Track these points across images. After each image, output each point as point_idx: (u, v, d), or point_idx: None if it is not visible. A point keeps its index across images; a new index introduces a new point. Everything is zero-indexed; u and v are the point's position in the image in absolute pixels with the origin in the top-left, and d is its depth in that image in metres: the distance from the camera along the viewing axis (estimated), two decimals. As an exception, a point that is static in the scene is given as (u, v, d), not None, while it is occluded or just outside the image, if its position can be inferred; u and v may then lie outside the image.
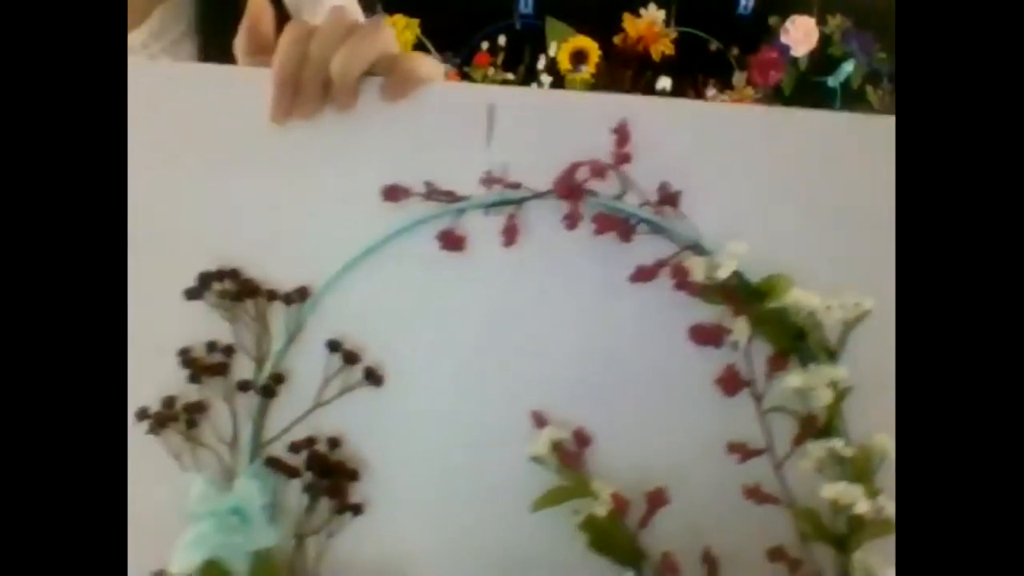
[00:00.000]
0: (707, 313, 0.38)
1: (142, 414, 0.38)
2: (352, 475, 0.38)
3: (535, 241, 0.39)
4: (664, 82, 0.42)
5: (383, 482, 0.39)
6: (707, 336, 0.37)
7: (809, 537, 0.35)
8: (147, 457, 0.39)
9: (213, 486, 0.38)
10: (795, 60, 0.51)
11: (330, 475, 0.38)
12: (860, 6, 0.50)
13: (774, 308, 0.36)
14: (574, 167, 0.38)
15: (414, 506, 0.39)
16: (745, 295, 0.36)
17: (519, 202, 0.38)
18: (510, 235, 0.38)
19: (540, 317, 0.39)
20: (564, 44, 0.48)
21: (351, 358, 0.39)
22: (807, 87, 0.51)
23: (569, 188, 0.37)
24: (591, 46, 0.50)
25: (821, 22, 0.52)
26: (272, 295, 0.39)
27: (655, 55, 0.51)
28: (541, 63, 0.44)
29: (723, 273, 0.35)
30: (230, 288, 0.39)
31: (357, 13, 0.47)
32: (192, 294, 0.39)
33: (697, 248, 0.38)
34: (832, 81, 0.50)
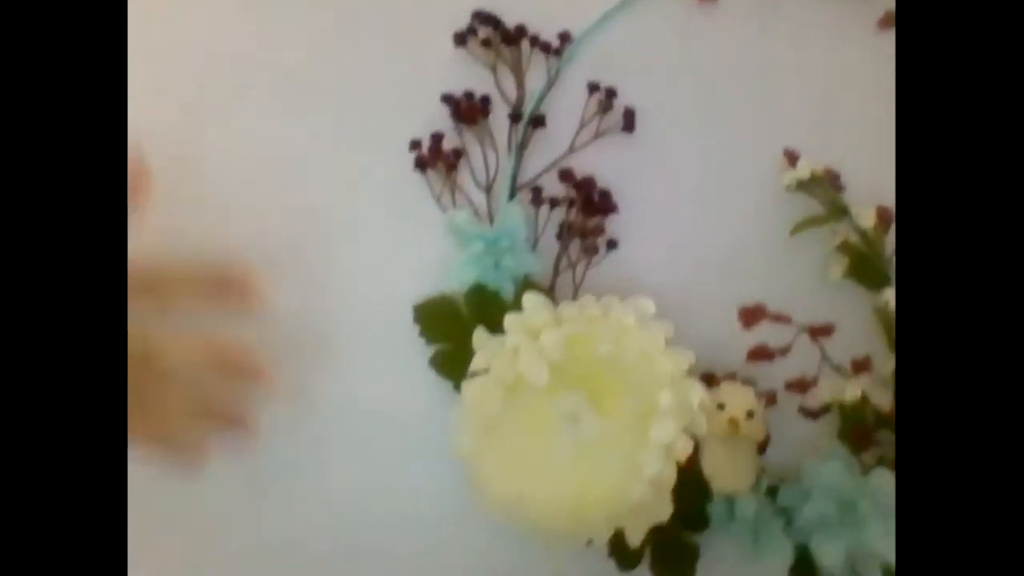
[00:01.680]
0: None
1: (414, 145, 0.41)
2: (612, 207, 0.41)
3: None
4: None
5: (636, 220, 0.41)
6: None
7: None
8: (412, 196, 0.42)
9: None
10: None
11: (590, 205, 0.40)
12: None
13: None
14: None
15: (667, 242, 0.41)
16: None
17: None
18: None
19: (787, 65, 0.41)
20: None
21: (608, 102, 0.41)
22: None
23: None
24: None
25: None
26: (533, 41, 0.41)
27: None
28: None
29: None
30: (492, 35, 0.42)
31: None
32: (458, 40, 0.42)
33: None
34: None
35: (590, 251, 0.41)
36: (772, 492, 0.38)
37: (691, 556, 0.39)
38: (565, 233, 0.41)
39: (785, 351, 0.35)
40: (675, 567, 0.39)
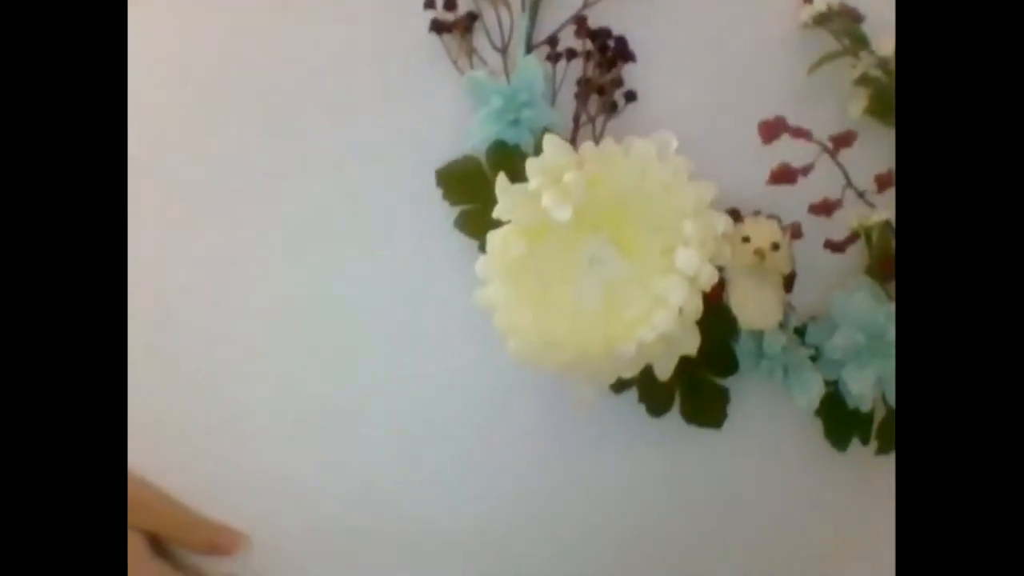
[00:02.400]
0: None
1: (429, 3, 0.41)
2: (630, 56, 0.40)
3: None
4: None
5: (654, 70, 0.40)
6: None
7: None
8: (431, 58, 0.41)
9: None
10: None
11: (608, 56, 0.40)
12: None
13: None
14: None
15: (686, 89, 0.40)
16: None
17: None
18: None
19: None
20: None
21: (621, -48, 0.41)
22: None
23: None
24: None
25: None
26: None
27: None
28: None
29: None
30: None
31: None
32: None
33: None
34: None
35: (609, 105, 0.41)
36: (801, 332, 0.39)
37: (721, 400, 0.39)
38: (583, 86, 0.41)
39: (807, 170, 0.35)
40: (705, 411, 0.40)
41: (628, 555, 0.43)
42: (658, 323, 0.34)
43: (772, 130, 0.34)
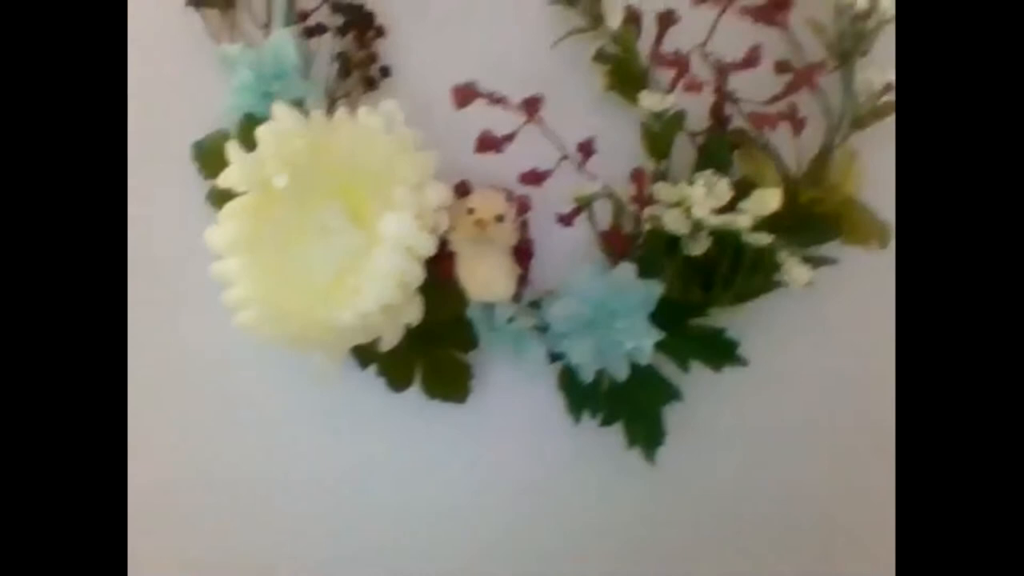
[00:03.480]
0: None
1: (184, -16, 0.41)
2: (380, 31, 0.40)
3: None
4: None
5: (407, 45, 0.41)
6: None
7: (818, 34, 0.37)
8: (189, 37, 0.41)
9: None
10: None
11: (359, 32, 0.40)
12: None
13: None
14: None
15: (439, 66, 0.40)
16: None
17: None
18: None
19: None
20: None
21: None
22: None
23: None
24: None
25: None
26: None
27: None
28: None
29: None
30: None
31: None
32: None
33: None
34: None
35: (365, 80, 0.41)
36: (537, 305, 0.39)
37: (463, 374, 0.39)
38: (340, 61, 0.41)
39: (511, 137, 0.35)
40: (448, 386, 0.40)
41: (383, 525, 0.43)
42: (370, 292, 0.34)
43: (464, 96, 0.34)
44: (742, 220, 0.33)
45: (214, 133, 0.41)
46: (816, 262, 0.37)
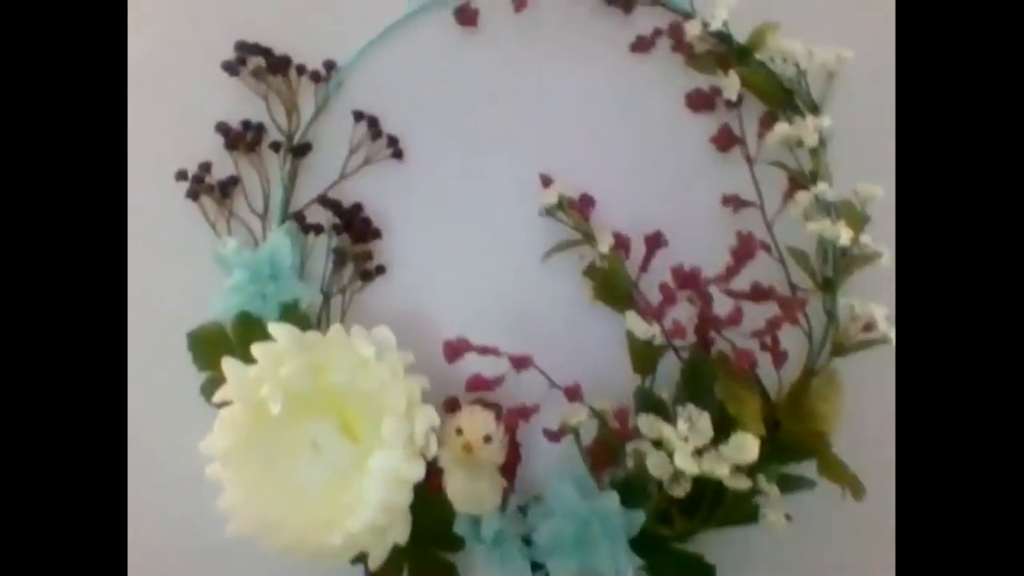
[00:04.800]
0: (702, 82, 0.41)
1: (181, 175, 0.42)
2: (375, 233, 0.41)
3: (543, 16, 0.42)
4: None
5: (403, 244, 0.42)
6: (702, 101, 0.40)
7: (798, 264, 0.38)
8: (186, 222, 0.42)
9: (246, 247, 0.42)
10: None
11: (354, 232, 0.41)
12: None
13: (761, 61, 0.39)
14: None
15: (433, 265, 0.42)
16: (735, 53, 0.39)
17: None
18: (520, 2, 0.41)
19: (547, 88, 0.42)
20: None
21: (375, 129, 0.42)
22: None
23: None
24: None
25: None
26: (301, 70, 0.42)
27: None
28: None
29: (715, 24, 0.38)
30: (262, 64, 0.42)
31: None
32: (228, 68, 0.42)
33: (691, 16, 0.41)
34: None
35: (362, 276, 0.42)
36: (524, 510, 0.40)
37: (449, 574, 0.41)
38: (335, 260, 0.42)
39: (499, 382, 0.36)
40: (433, 585, 0.41)
41: None
42: (362, 518, 0.36)
43: (455, 351, 0.35)
44: (721, 469, 0.34)
45: (208, 324, 0.41)
46: (793, 485, 0.38)
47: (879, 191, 0.38)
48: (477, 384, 0.35)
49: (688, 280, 0.35)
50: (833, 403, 0.38)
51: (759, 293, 0.38)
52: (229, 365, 0.38)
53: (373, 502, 0.35)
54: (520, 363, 0.35)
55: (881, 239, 0.38)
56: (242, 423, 0.38)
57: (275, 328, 0.38)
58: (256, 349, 0.38)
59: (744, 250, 0.37)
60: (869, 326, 0.37)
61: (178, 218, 0.42)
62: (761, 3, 0.39)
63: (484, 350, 0.34)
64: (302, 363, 0.37)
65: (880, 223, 0.38)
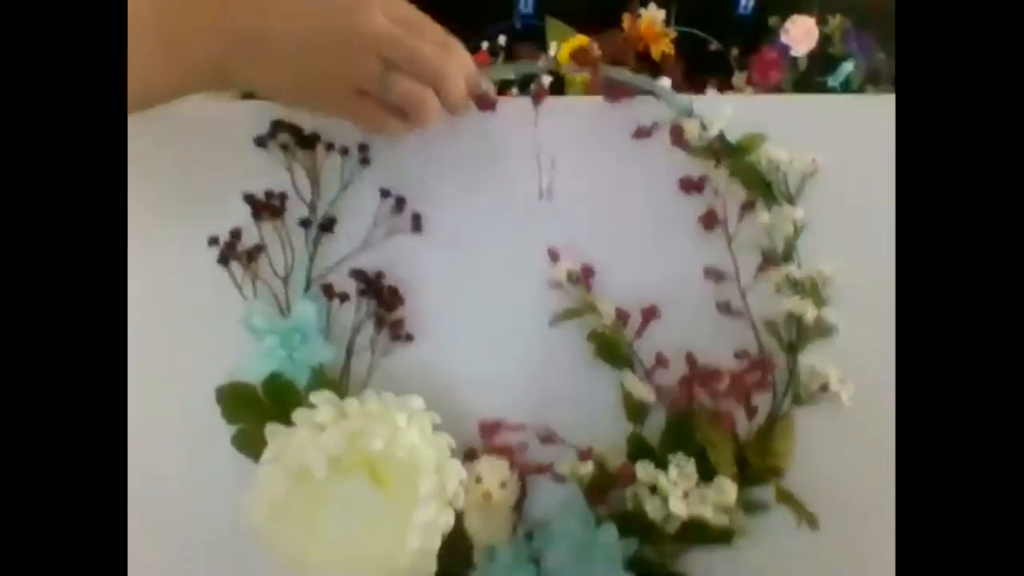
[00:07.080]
0: (694, 168, 0.46)
1: (213, 241, 0.45)
2: (399, 299, 0.45)
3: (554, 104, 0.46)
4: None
5: (424, 309, 0.46)
6: (693, 185, 0.46)
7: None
8: (215, 286, 0.45)
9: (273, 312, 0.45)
10: (795, 60, 0.56)
11: (383, 301, 0.45)
12: (860, 6, 0.57)
13: (749, 161, 0.45)
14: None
15: (452, 332, 0.46)
16: (727, 151, 0.45)
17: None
18: (537, 97, 0.45)
19: (556, 171, 0.47)
20: (564, 44, 0.51)
21: (399, 205, 0.46)
22: (807, 87, 0.56)
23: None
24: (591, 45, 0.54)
25: (821, 22, 0.57)
26: (329, 147, 0.45)
27: (655, 55, 0.55)
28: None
29: (713, 131, 0.44)
30: (290, 139, 0.45)
31: None
32: (259, 142, 0.45)
33: (688, 114, 0.46)
34: (832, 81, 0.56)
35: (394, 340, 0.46)
36: (531, 536, 0.46)
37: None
38: (366, 325, 0.45)
39: (524, 449, 0.43)
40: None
41: None
42: (400, 560, 0.40)
43: (491, 430, 0.42)
44: (706, 511, 0.42)
45: (238, 383, 0.44)
46: (758, 508, 0.46)
47: (834, 272, 0.44)
48: (491, 430, 0.42)
49: (707, 378, 0.43)
50: (790, 443, 0.46)
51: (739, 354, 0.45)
52: (271, 429, 0.42)
53: (414, 549, 0.41)
54: (548, 439, 0.42)
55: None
56: (282, 482, 0.42)
57: (316, 397, 0.42)
58: (298, 416, 0.42)
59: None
60: (825, 386, 0.44)
61: (208, 281, 0.45)
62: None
63: (514, 428, 0.40)
64: (341, 432, 0.41)
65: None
